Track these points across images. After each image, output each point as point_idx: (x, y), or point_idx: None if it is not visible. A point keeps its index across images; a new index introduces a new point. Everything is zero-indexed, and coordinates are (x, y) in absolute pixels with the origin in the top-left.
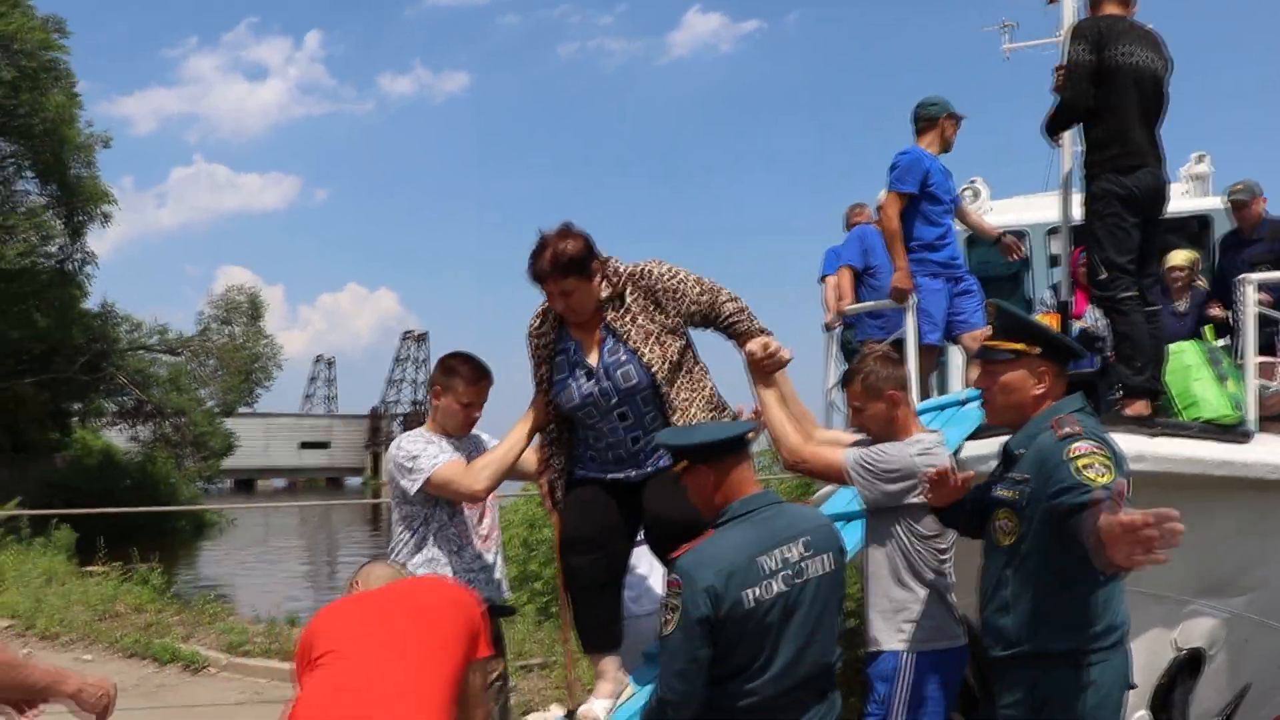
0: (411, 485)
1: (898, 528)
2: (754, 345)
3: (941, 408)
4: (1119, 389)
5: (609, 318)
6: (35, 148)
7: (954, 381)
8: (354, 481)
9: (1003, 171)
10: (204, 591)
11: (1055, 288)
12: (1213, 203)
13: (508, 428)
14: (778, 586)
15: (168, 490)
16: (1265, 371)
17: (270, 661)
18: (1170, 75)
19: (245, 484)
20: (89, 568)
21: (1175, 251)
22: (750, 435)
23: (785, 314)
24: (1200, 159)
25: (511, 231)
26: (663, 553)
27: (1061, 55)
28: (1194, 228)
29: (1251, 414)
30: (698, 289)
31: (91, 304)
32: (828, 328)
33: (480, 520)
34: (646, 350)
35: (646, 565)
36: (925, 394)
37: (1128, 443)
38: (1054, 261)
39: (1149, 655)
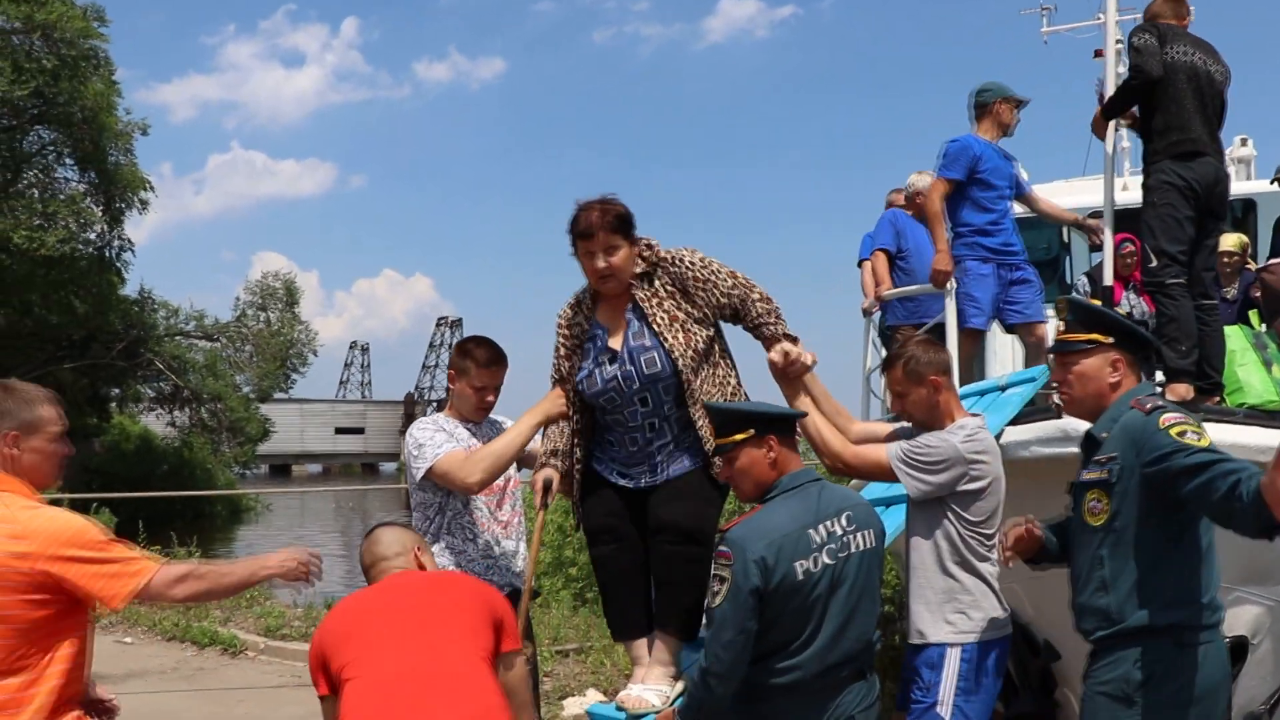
0: (416, 474)
1: (946, 516)
2: (774, 355)
3: (982, 393)
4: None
5: (637, 296)
6: (75, 135)
7: (993, 368)
8: (389, 467)
9: (1041, 157)
10: None
11: (1090, 275)
12: (1256, 186)
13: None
14: (825, 560)
15: (204, 475)
16: None
17: (308, 645)
18: (1228, 85)
19: (281, 469)
20: None
21: (1224, 236)
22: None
23: (822, 299)
24: (1244, 142)
25: (546, 218)
26: (668, 559)
27: (1104, 39)
28: (1238, 211)
29: None
30: (729, 282)
31: (129, 290)
32: (865, 313)
33: (499, 507)
34: (669, 336)
35: None
36: (967, 379)
37: None
38: (1093, 247)
39: None
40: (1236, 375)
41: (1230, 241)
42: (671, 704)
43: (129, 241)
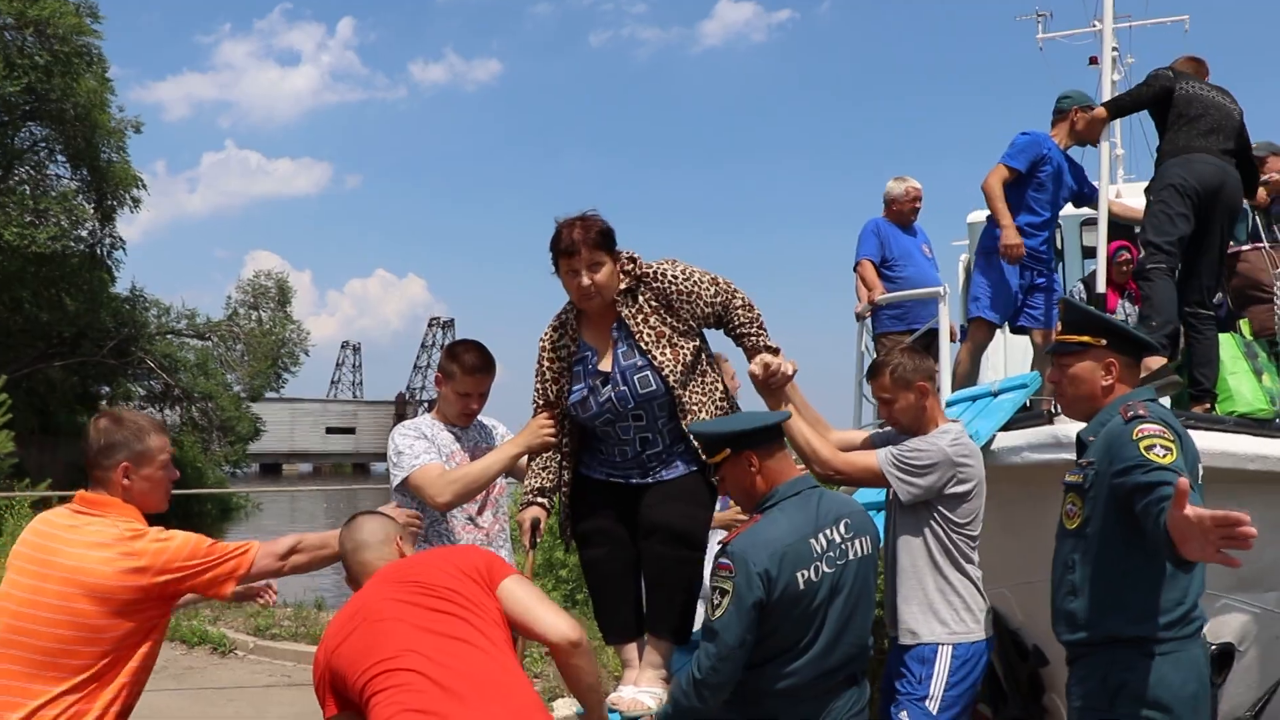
0: (393, 480)
1: (934, 518)
2: (755, 367)
3: (974, 399)
4: None
5: (622, 314)
6: (67, 132)
7: (987, 372)
8: (379, 467)
9: None
10: None
11: (1085, 281)
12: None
13: (524, 416)
14: (824, 568)
15: (194, 474)
16: None
17: (298, 645)
18: (1242, 118)
19: (271, 468)
20: None
21: None
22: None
23: (818, 300)
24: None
25: (540, 221)
26: (659, 561)
27: (1100, 48)
28: None
29: None
30: (712, 290)
31: (121, 288)
32: (859, 317)
33: (480, 513)
34: (658, 353)
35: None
36: (975, 370)
37: None
38: (1088, 253)
39: None
40: (1227, 384)
41: None
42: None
43: (121, 239)
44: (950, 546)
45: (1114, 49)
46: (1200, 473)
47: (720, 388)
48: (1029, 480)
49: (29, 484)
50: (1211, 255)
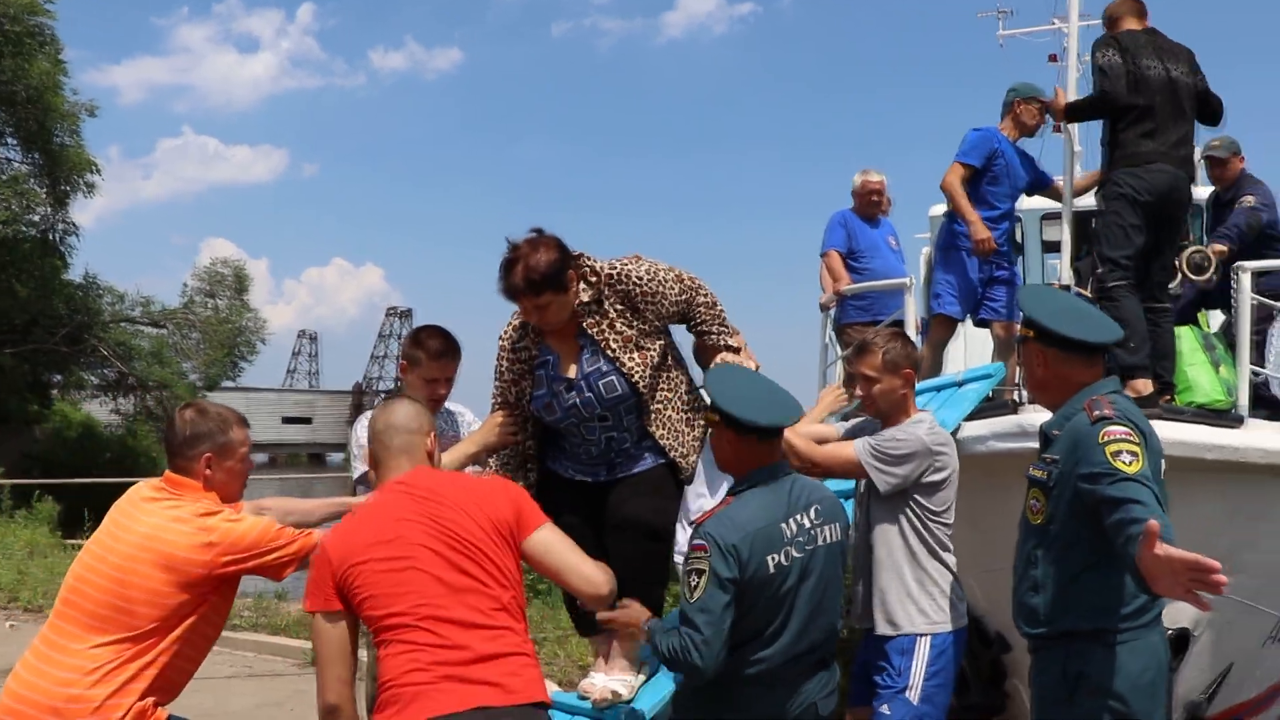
0: (354, 473)
1: (909, 506)
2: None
3: (939, 389)
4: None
5: (586, 325)
6: (18, 115)
7: (948, 365)
8: (336, 457)
9: None
10: None
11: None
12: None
13: (485, 402)
14: (794, 553)
15: (149, 463)
16: None
17: (259, 635)
18: (1201, 82)
19: None
20: (73, 540)
21: None
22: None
23: (782, 290)
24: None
25: (500, 211)
26: (630, 555)
27: (1064, 46)
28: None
29: (1243, 399)
30: (676, 288)
31: (74, 275)
32: (823, 308)
33: None
34: (626, 359)
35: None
36: (938, 366)
37: None
38: (1049, 247)
39: None
40: (1186, 375)
41: None
42: (638, 690)
43: (74, 225)
44: (927, 535)
45: (1082, 57)
46: (1163, 467)
47: (684, 383)
48: (993, 469)
49: None
50: (1165, 256)
